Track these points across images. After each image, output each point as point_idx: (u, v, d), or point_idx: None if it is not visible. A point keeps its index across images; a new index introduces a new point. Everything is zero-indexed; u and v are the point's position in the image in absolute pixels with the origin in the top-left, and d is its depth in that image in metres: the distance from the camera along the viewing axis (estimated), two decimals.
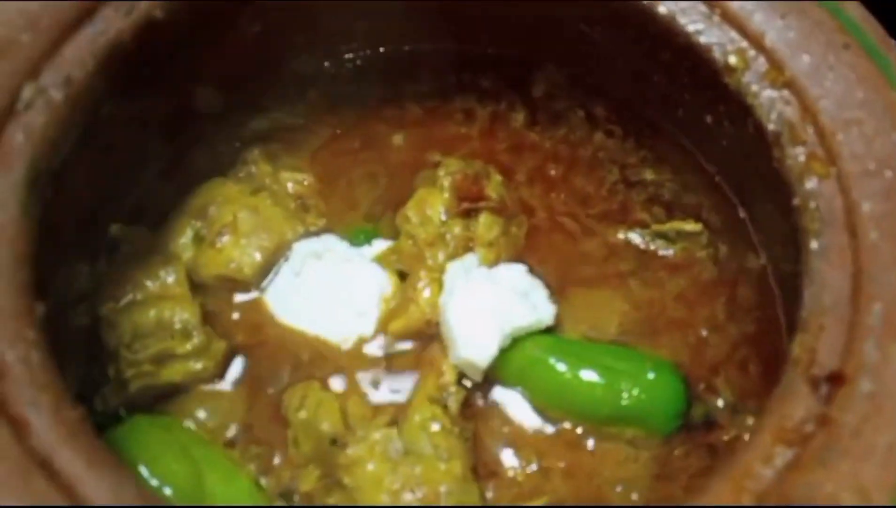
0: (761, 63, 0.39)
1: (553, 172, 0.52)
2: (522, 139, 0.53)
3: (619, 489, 0.42)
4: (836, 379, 0.29)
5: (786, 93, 0.38)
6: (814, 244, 0.34)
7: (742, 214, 0.50)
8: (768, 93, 0.39)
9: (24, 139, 0.34)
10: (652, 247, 0.50)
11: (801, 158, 0.37)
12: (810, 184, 0.36)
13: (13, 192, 0.32)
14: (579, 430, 0.44)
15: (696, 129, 0.49)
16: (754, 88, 0.39)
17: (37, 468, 0.25)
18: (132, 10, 0.39)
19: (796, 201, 0.36)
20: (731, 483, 0.27)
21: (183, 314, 0.46)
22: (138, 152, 0.50)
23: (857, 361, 0.29)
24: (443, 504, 0.39)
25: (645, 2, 0.42)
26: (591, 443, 0.44)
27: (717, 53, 0.40)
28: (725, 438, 0.43)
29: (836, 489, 0.26)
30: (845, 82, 0.36)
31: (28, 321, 0.30)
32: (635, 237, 0.50)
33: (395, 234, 0.50)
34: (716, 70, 0.41)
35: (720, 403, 0.45)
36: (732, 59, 0.40)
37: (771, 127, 0.38)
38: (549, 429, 0.44)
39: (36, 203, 0.34)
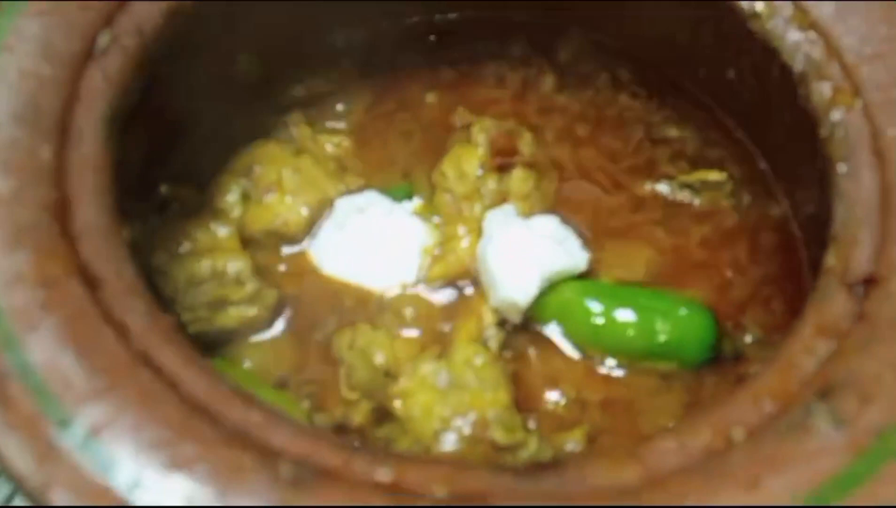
0: (787, 7, 0.41)
1: (581, 132, 0.54)
2: (552, 102, 0.55)
3: (652, 416, 0.44)
4: (869, 281, 0.31)
5: (811, 34, 0.40)
6: (842, 168, 0.36)
7: (763, 165, 0.52)
8: (794, 35, 0.41)
9: (103, 81, 0.36)
10: (679, 197, 0.52)
11: (827, 93, 0.39)
12: (836, 115, 0.38)
13: (96, 126, 0.35)
14: (615, 365, 0.46)
15: (718, 85, 0.51)
16: (780, 31, 0.41)
17: (142, 365, 0.28)
18: None
19: (823, 133, 0.38)
20: (777, 372, 0.29)
21: (236, 264, 0.48)
22: (186, 114, 0.52)
23: (889, 263, 0.31)
24: (491, 429, 0.41)
25: None
26: (625, 376, 0.46)
27: (743, 2, 0.43)
28: (754, 369, 0.45)
29: (878, 368, 0.28)
30: (867, 21, 0.39)
31: (118, 240, 0.32)
32: (662, 188, 0.52)
33: (431, 190, 0.52)
34: (742, 18, 0.43)
35: (748, 338, 0.47)
36: (759, 6, 0.42)
37: (797, 68, 0.41)
38: (586, 365, 0.46)
39: (114, 139, 0.36)
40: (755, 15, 0.43)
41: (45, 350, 0.27)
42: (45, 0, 0.36)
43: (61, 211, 0.31)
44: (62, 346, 0.27)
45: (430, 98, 0.56)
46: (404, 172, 0.54)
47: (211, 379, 0.28)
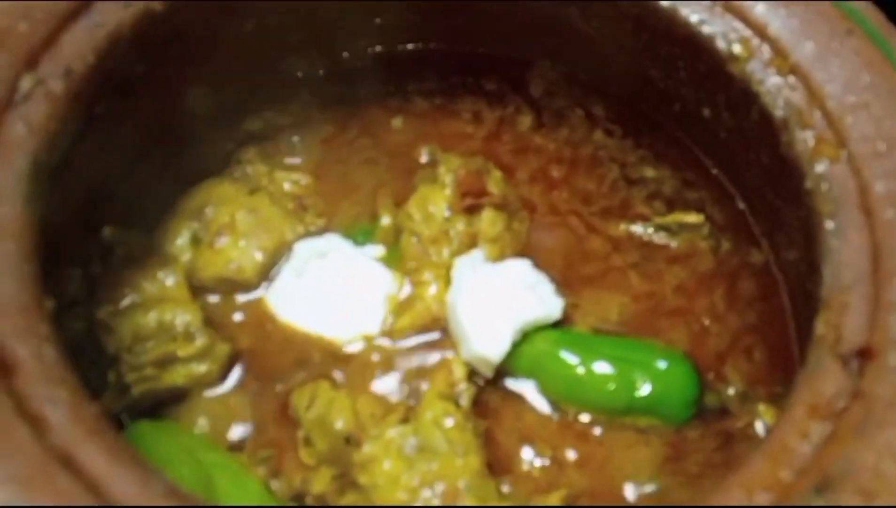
0: (766, 51, 0.40)
1: (555, 173, 0.52)
2: (527, 142, 0.53)
3: (632, 476, 0.42)
4: (864, 354, 0.29)
5: (791, 79, 0.39)
6: (829, 225, 0.34)
7: (741, 205, 0.50)
8: (774, 79, 0.39)
9: (25, 131, 0.32)
10: (655, 239, 0.50)
11: (811, 142, 0.37)
12: (821, 167, 0.36)
13: (17, 184, 0.31)
14: (592, 421, 0.44)
15: (694, 123, 0.50)
16: (759, 75, 0.40)
17: (60, 466, 0.24)
18: (130, 2, 0.38)
19: (808, 185, 0.36)
20: (769, 458, 0.27)
21: (185, 316, 0.44)
22: (130, 152, 0.49)
23: (884, 335, 0.29)
24: (462, 499, 0.39)
25: None
26: (603, 433, 0.43)
27: (720, 43, 0.41)
28: (739, 425, 0.43)
29: (876, 459, 0.26)
30: (850, 67, 0.37)
31: (39, 314, 0.28)
32: (637, 230, 0.50)
33: (396, 232, 0.49)
34: (719, 59, 0.41)
35: (730, 391, 0.45)
36: (737, 48, 0.40)
37: (778, 113, 0.39)
38: (561, 422, 0.44)
39: (38, 197, 0.33)
40: (732, 57, 0.41)
41: None
42: None
43: None
44: None
45: (397, 123, 0.54)
46: (368, 207, 0.51)
47: (142, 479, 0.25)
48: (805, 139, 0.37)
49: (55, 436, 0.25)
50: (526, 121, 0.53)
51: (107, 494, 0.24)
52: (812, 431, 0.27)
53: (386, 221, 0.49)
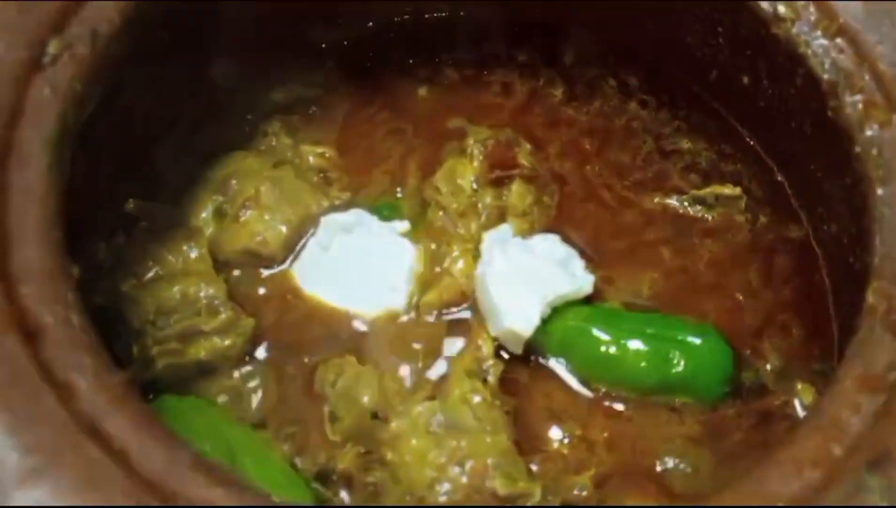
0: (812, 11, 0.38)
1: (588, 146, 0.51)
2: (559, 115, 0.52)
3: (665, 455, 0.41)
4: None
5: (839, 41, 0.37)
6: (880, 191, 0.33)
7: (780, 177, 0.49)
8: (821, 41, 0.37)
9: (52, 94, 0.32)
10: (691, 212, 0.48)
11: (860, 106, 0.35)
12: (871, 131, 0.35)
13: (42, 148, 0.31)
14: (623, 399, 0.43)
15: (732, 92, 0.48)
16: (805, 37, 0.38)
17: (87, 435, 0.24)
18: None
19: (857, 150, 0.35)
20: (819, 432, 0.26)
21: (208, 290, 0.44)
22: (155, 122, 0.48)
23: None
24: (491, 477, 0.38)
25: None
26: (635, 412, 0.42)
27: (765, 3, 0.39)
28: (777, 403, 0.42)
29: None
30: None
31: (65, 282, 0.28)
32: (673, 202, 0.49)
33: (423, 206, 0.49)
34: (764, 21, 0.39)
35: (768, 367, 0.43)
36: (782, 9, 0.39)
37: (826, 76, 0.37)
38: (592, 400, 0.43)
39: (63, 162, 0.32)
40: (778, 17, 0.39)
41: None
42: None
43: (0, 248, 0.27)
44: None
45: (423, 92, 0.52)
46: (394, 179, 0.50)
47: (168, 449, 0.24)
48: (854, 103, 0.36)
49: (82, 404, 0.25)
50: (557, 93, 0.52)
51: (134, 463, 0.24)
52: (863, 404, 0.26)
53: (411, 193, 0.48)
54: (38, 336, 0.26)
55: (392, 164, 0.51)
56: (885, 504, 0.23)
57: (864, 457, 0.25)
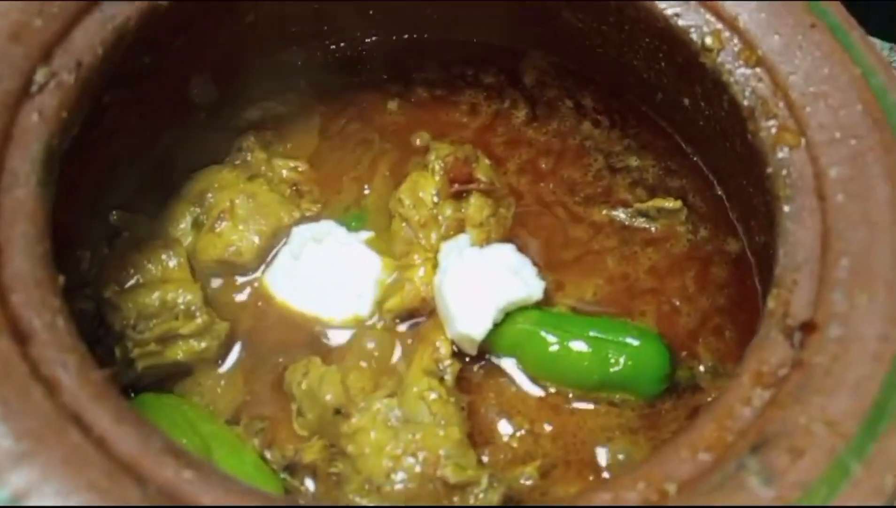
0: (735, 43, 0.42)
1: (544, 165, 0.54)
2: (520, 135, 0.55)
3: (604, 445, 0.44)
4: (807, 327, 0.32)
5: (758, 70, 0.41)
6: (786, 208, 0.36)
7: (719, 191, 0.52)
8: (742, 70, 0.41)
9: (39, 120, 0.35)
10: (635, 224, 0.52)
11: (773, 130, 0.39)
12: (782, 154, 0.38)
13: (31, 169, 0.34)
14: (568, 396, 0.46)
15: (676, 112, 0.52)
16: (729, 66, 0.42)
17: (70, 423, 0.27)
18: None
19: (769, 170, 0.38)
20: (715, 422, 0.29)
21: (186, 296, 0.47)
22: (135, 140, 0.51)
23: (827, 310, 0.32)
24: (443, 467, 0.41)
25: None
26: (579, 407, 0.46)
27: (694, 35, 0.43)
28: (709, 399, 0.45)
29: (808, 421, 0.28)
30: (812, 59, 0.39)
31: (52, 289, 0.31)
32: (619, 214, 0.52)
33: (388, 216, 0.52)
34: (694, 51, 0.43)
35: (701, 368, 0.47)
36: (709, 40, 0.42)
37: (745, 102, 0.41)
38: (540, 397, 0.46)
39: (50, 182, 0.35)
40: (705, 48, 0.43)
41: None
42: None
43: None
44: None
45: (392, 106, 0.56)
46: (361, 189, 0.53)
47: (142, 436, 0.28)
48: (769, 127, 0.39)
49: (66, 397, 0.28)
50: (520, 115, 0.56)
51: (112, 448, 0.27)
52: (755, 397, 0.30)
53: (376, 205, 0.52)
54: (28, 338, 0.29)
55: (360, 170, 0.54)
56: (760, 481, 0.26)
57: (749, 442, 0.28)
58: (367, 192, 0.54)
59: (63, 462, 0.26)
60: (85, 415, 0.28)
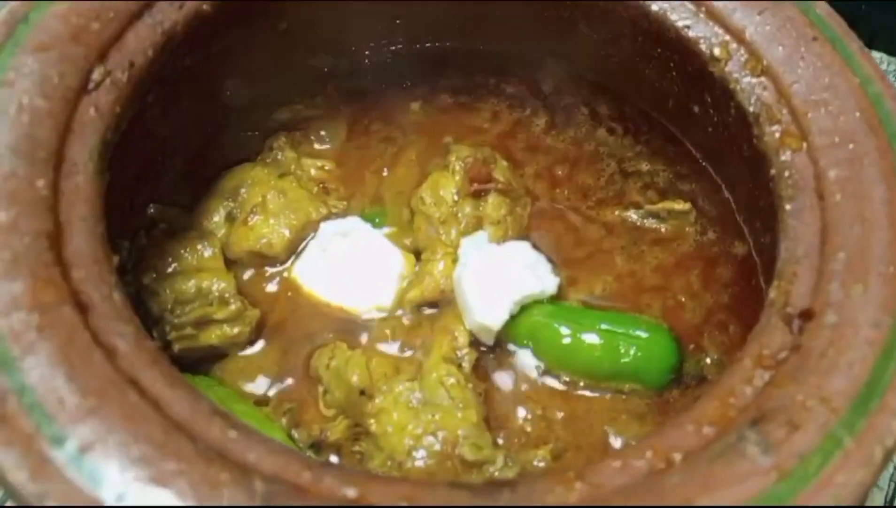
0: (742, 54, 0.44)
1: (560, 172, 0.57)
2: (539, 142, 0.58)
3: (615, 429, 0.47)
4: (806, 315, 0.34)
5: (763, 79, 0.43)
6: (788, 207, 0.39)
7: (727, 194, 0.55)
8: (748, 80, 0.44)
9: (96, 114, 0.38)
10: (645, 224, 0.55)
11: (777, 135, 0.42)
12: (785, 156, 0.41)
13: (89, 157, 0.37)
14: (580, 385, 0.48)
15: (686, 119, 0.54)
16: (736, 75, 0.44)
17: (128, 385, 0.30)
18: (184, 3, 0.44)
19: (773, 172, 0.41)
20: (718, 400, 0.32)
21: (220, 284, 0.50)
22: (173, 138, 0.54)
23: (824, 299, 0.34)
24: (461, 446, 0.43)
25: (639, 1, 0.47)
26: (590, 395, 0.48)
27: (703, 46, 0.46)
28: None
29: (804, 398, 0.30)
30: (814, 69, 0.42)
31: (108, 267, 0.34)
32: (630, 215, 0.55)
33: (410, 214, 0.55)
34: (703, 61, 0.46)
35: (708, 360, 0.49)
36: (717, 51, 0.45)
37: (751, 109, 0.43)
38: (552, 385, 0.49)
39: (104, 170, 0.38)
40: (713, 59, 0.45)
41: (40, 372, 0.29)
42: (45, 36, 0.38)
43: (55, 239, 0.34)
44: (56, 368, 0.30)
45: (415, 107, 0.59)
46: (382, 179, 0.56)
47: (192, 399, 0.30)
48: (773, 132, 0.42)
49: (123, 362, 0.31)
50: (540, 123, 0.58)
51: (165, 408, 0.30)
52: (756, 377, 0.32)
53: (399, 202, 0.54)
54: (88, 309, 0.32)
55: (383, 162, 0.57)
56: (759, 450, 0.29)
57: (749, 417, 0.31)
58: (385, 173, 0.56)
59: (123, 418, 0.29)
60: (141, 379, 0.30)
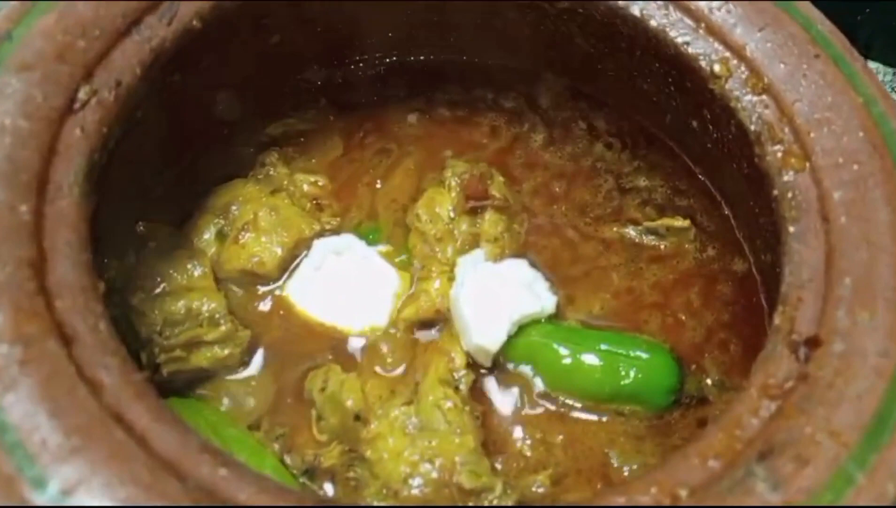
0: (742, 71, 0.44)
1: (557, 188, 0.56)
2: (537, 158, 0.57)
3: (616, 452, 0.46)
4: (812, 343, 0.33)
5: (764, 97, 0.42)
6: (791, 229, 0.38)
7: (727, 211, 0.54)
8: (749, 97, 0.43)
9: (81, 135, 0.37)
10: (644, 241, 0.54)
11: (779, 155, 0.41)
12: (787, 177, 0.40)
13: (75, 180, 0.36)
14: (579, 407, 0.48)
15: (684, 134, 0.54)
16: (737, 93, 0.44)
17: (114, 421, 0.29)
18: (173, 19, 0.43)
19: (775, 193, 0.40)
20: (724, 431, 0.31)
21: (210, 304, 0.49)
22: (162, 154, 0.53)
23: (831, 326, 0.33)
24: (458, 473, 0.42)
25: (638, 16, 0.47)
26: (590, 418, 0.47)
27: (703, 62, 0.45)
28: (716, 412, 0.47)
29: (813, 430, 0.30)
30: (816, 87, 0.41)
31: (94, 295, 0.33)
32: (628, 232, 0.54)
33: (405, 230, 0.54)
34: (703, 77, 0.45)
35: (709, 381, 0.49)
36: (717, 68, 0.44)
37: (752, 127, 0.43)
38: (551, 408, 0.48)
39: (91, 193, 0.37)
40: (713, 75, 0.45)
41: (22, 409, 0.28)
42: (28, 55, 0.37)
43: (38, 267, 0.32)
44: (38, 405, 0.28)
45: (412, 119, 0.58)
46: (375, 192, 0.55)
47: (180, 434, 0.29)
48: (775, 152, 0.41)
49: (109, 396, 0.30)
50: (538, 139, 0.58)
51: (153, 445, 0.29)
52: (762, 408, 0.31)
53: (394, 219, 0.54)
54: (72, 341, 0.31)
55: (377, 173, 0.56)
56: (767, 486, 0.28)
57: (755, 450, 0.30)
58: (379, 186, 0.55)
59: (109, 458, 0.28)
60: (127, 414, 0.29)
